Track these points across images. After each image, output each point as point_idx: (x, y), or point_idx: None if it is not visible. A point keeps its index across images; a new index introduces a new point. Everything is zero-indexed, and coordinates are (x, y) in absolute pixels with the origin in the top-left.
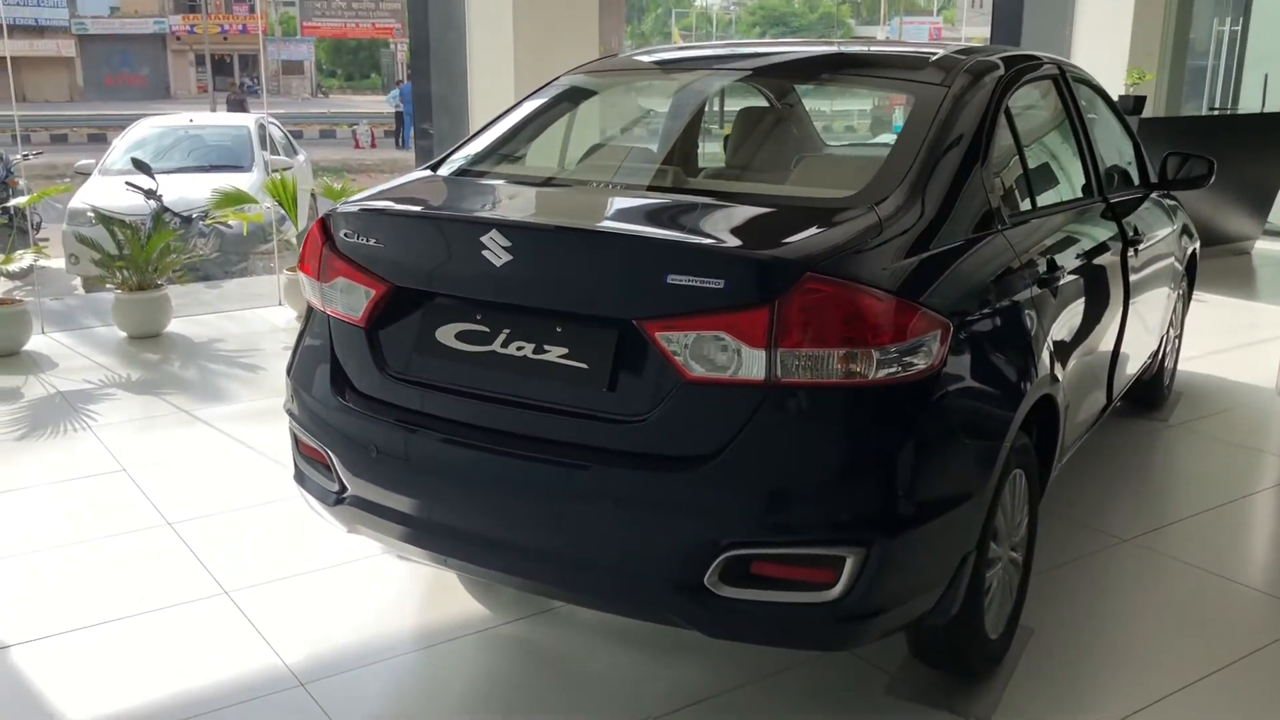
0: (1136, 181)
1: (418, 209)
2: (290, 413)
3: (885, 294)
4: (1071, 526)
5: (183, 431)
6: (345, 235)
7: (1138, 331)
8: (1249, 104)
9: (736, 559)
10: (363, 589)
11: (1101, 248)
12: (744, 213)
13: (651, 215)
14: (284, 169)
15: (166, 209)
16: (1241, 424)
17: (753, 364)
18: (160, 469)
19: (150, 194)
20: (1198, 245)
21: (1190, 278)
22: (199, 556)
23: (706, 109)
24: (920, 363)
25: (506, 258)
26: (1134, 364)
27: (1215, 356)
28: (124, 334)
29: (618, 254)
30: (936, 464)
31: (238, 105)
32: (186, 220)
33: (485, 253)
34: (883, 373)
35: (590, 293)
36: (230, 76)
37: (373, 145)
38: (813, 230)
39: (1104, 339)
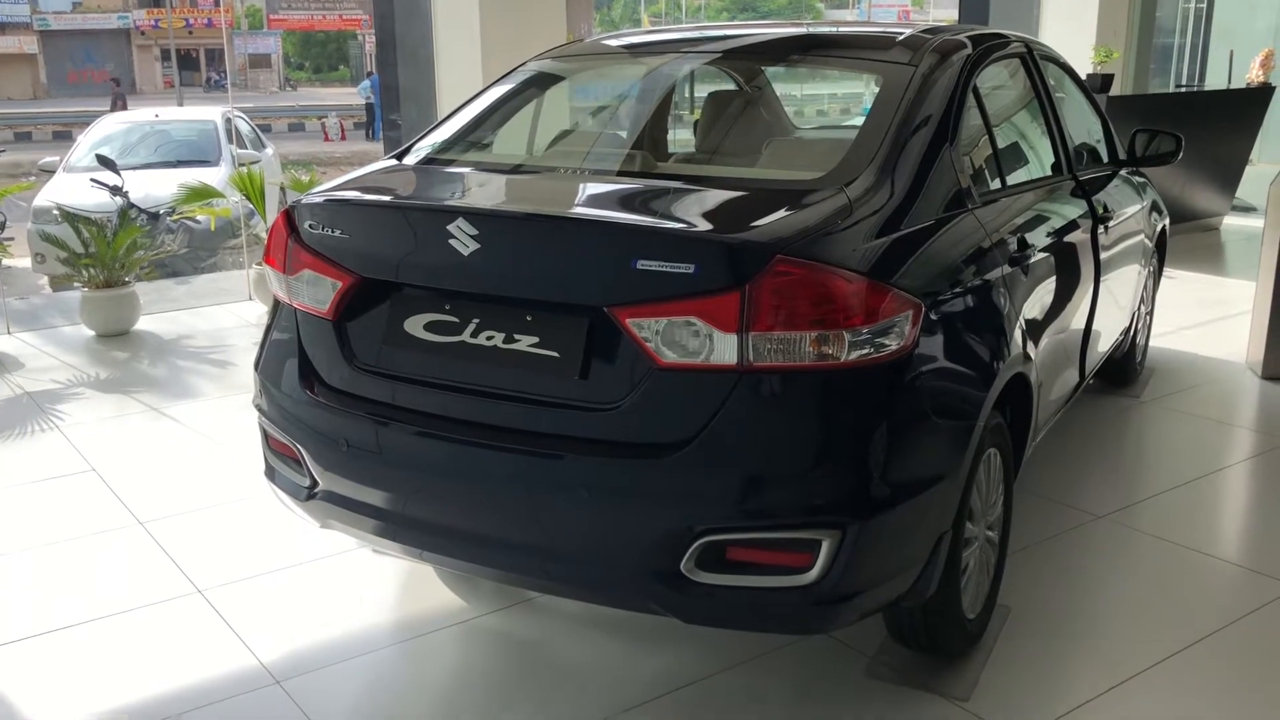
0: (1105, 159)
1: (383, 199)
2: (259, 408)
3: (856, 275)
4: (1046, 504)
5: (153, 429)
6: (310, 227)
7: (1109, 309)
8: (1215, 81)
9: (712, 545)
10: (338, 584)
11: (1072, 225)
12: (713, 196)
13: (620, 201)
14: (251, 163)
15: (133, 205)
16: (1213, 399)
17: (724, 349)
18: (130, 468)
19: (116, 190)
20: (1167, 222)
21: (1160, 254)
22: (171, 555)
23: (675, 93)
24: (892, 344)
25: (474, 246)
26: (1106, 341)
27: (1186, 332)
28: (92, 332)
29: (586, 240)
30: (910, 445)
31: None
32: (154, 216)
33: (452, 241)
34: (855, 355)
35: (560, 280)
36: (196, 70)
37: (342, 138)
38: (782, 213)
39: (1076, 317)
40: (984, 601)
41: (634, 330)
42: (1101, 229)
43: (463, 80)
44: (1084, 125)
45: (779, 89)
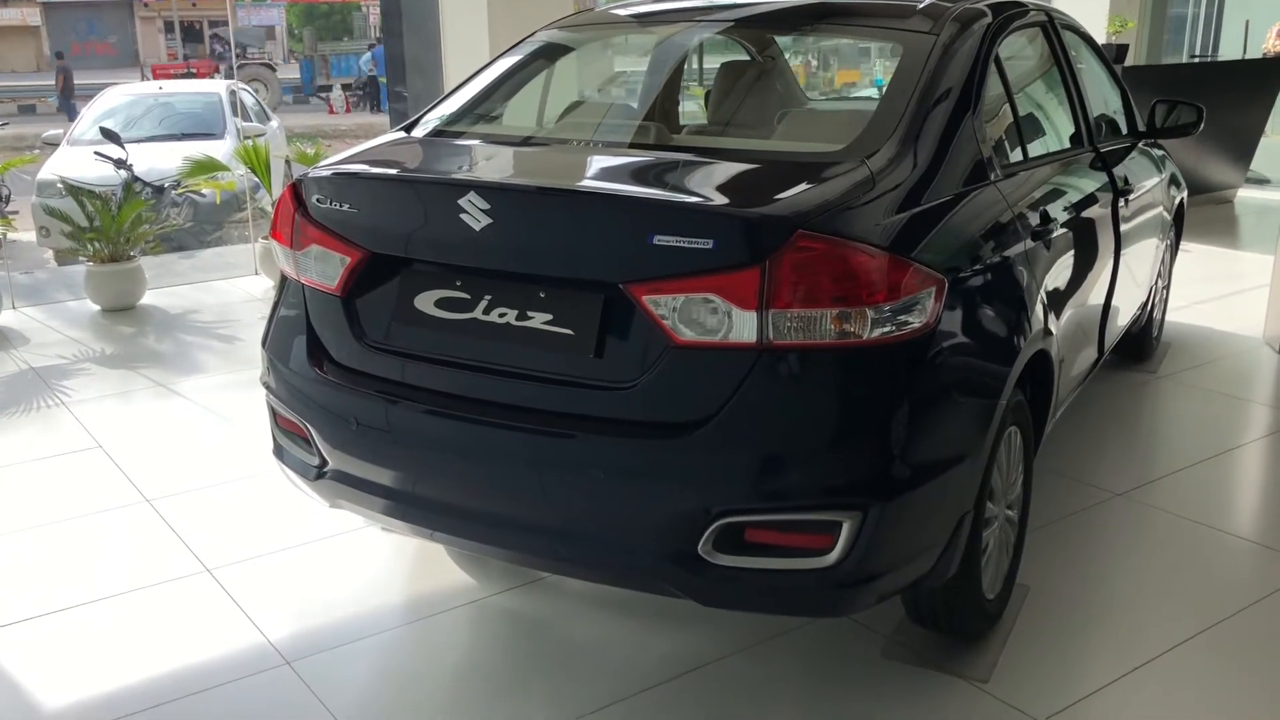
0: (1124, 130)
1: (393, 172)
2: (267, 385)
3: (879, 250)
4: (1064, 482)
5: (159, 406)
6: (318, 201)
7: (1128, 283)
8: (1229, 52)
9: (730, 526)
10: (347, 563)
11: (1092, 199)
12: (731, 170)
13: (635, 174)
14: (257, 135)
15: (137, 179)
16: (1229, 374)
17: (743, 326)
18: (137, 445)
19: (120, 164)
20: (1185, 194)
21: (1178, 227)
22: (179, 534)
23: (688, 63)
24: (915, 321)
25: (486, 221)
26: (1125, 316)
27: (1201, 306)
28: (97, 307)
29: (601, 215)
30: (932, 424)
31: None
32: (158, 190)
33: (464, 216)
34: (877, 332)
35: (574, 256)
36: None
37: (347, 110)
38: (803, 186)
39: (1096, 291)
40: (1003, 581)
41: (650, 307)
42: (1122, 202)
43: (469, 51)
44: (1103, 96)
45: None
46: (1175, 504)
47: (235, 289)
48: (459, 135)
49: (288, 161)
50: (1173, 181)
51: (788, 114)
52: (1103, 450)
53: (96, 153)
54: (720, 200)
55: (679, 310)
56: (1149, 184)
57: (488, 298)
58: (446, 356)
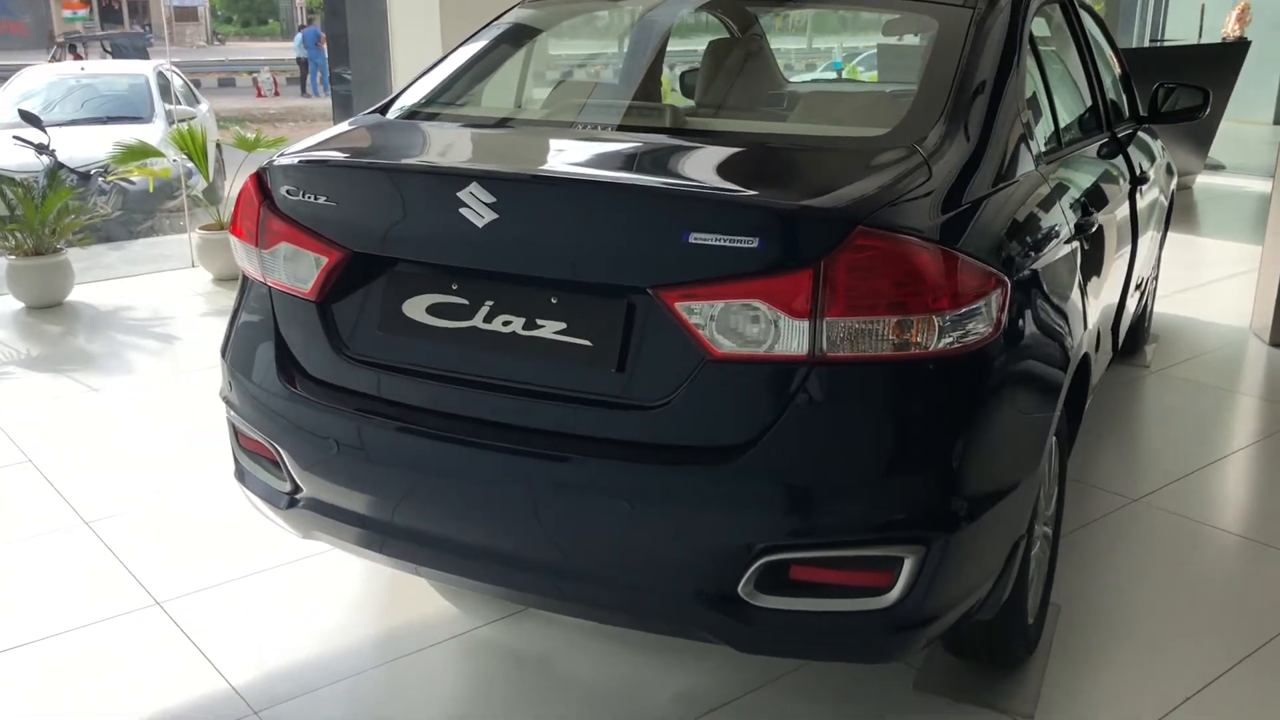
0: (1126, 114)
1: (377, 159)
2: (228, 401)
3: (946, 249)
4: (1077, 487)
5: (94, 413)
6: (288, 192)
7: (1139, 274)
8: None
9: (775, 564)
10: (315, 592)
11: (1118, 187)
12: (768, 157)
13: (661, 162)
14: (187, 118)
15: (62, 165)
16: (1223, 367)
17: (792, 337)
18: (71, 458)
19: (42, 149)
20: (1176, 181)
21: (1169, 215)
22: (123, 561)
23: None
24: (981, 328)
25: (490, 216)
26: (1133, 308)
27: (1180, 295)
28: (21, 304)
29: (628, 210)
30: (997, 444)
31: None
32: (84, 177)
33: (464, 210)
34: (943, 342)
35: (593, 256)
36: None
37: (276, 93)
38: (855, 175)
39: (1116, 285)
40: (1039, 602)
41: (684, 315)
42: (1138, 190)
43: (418, 30)
44: (1110, 77)
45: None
46: (1198, 509)
47: (171, 283)
48: (443, 118)
49: (219, 146)
50: (1168, 168)
51: (813, 93)
52: (1108, 452)
53: (15, 137)
54: (765, 192)
55: (717, 318)
56: (1153, 171)
57: (489, 303)
58: (440, 370)
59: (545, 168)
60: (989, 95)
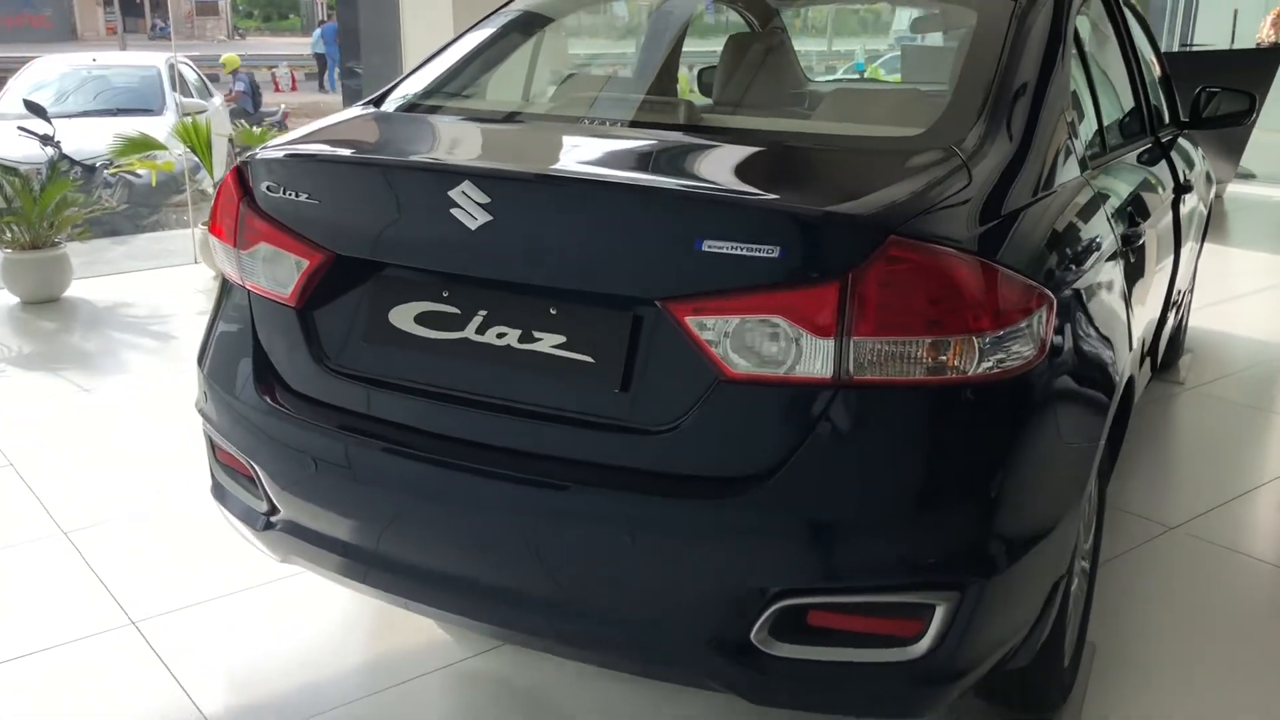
0: (1168, 118)
1: (364, 154)
2: (203, 414)
3: (988, 262)
4: (1110, 513)
5: (82, 415)
6: (269, 189)
7: (1178, 289)
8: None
9: (792, 609)
10: (299, 613)
11: (1161, 196)
12: (791, 157)
13: (673, 161)
14: (198, 112)
15: (65, 156)
16: (1259, 385)
17: (816, 357)
18: (55, 463)
19: (47, 140)
20: (1214, 189)
21: (1206, 225)
22: (100, 575)
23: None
24: (1026, 351)
25: (484, 218)
26: (1171, 323)
27: (1212, 309)
28: (16, 299)
29: (635, 213)
30: (1040, 477)
31: None
32: (89, 169)
33: (455, 211)
34: (984, 366)
35: (597, 264)
36: (140, 17)
37: (294, 88)
38: (887, 178)
39: (1159, 300)
40: (1075, 643)
41: (695, 330)
42: (1181, 199)
43: (431, 23)
44: (1152, 78)
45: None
46: (1240, 540)
47: (173, 279)
48: (440, 110)
49: (231, 140)
50: (1207, 176)
51: (838, 90)
52: (1144, 475)
53: (20, 128)
54: (788, 196)
55: (732, 335)
56: (1196, 179)
57: (482, 313)
58: (428, 385)
59: (543, 166)
60: (1031, 94)
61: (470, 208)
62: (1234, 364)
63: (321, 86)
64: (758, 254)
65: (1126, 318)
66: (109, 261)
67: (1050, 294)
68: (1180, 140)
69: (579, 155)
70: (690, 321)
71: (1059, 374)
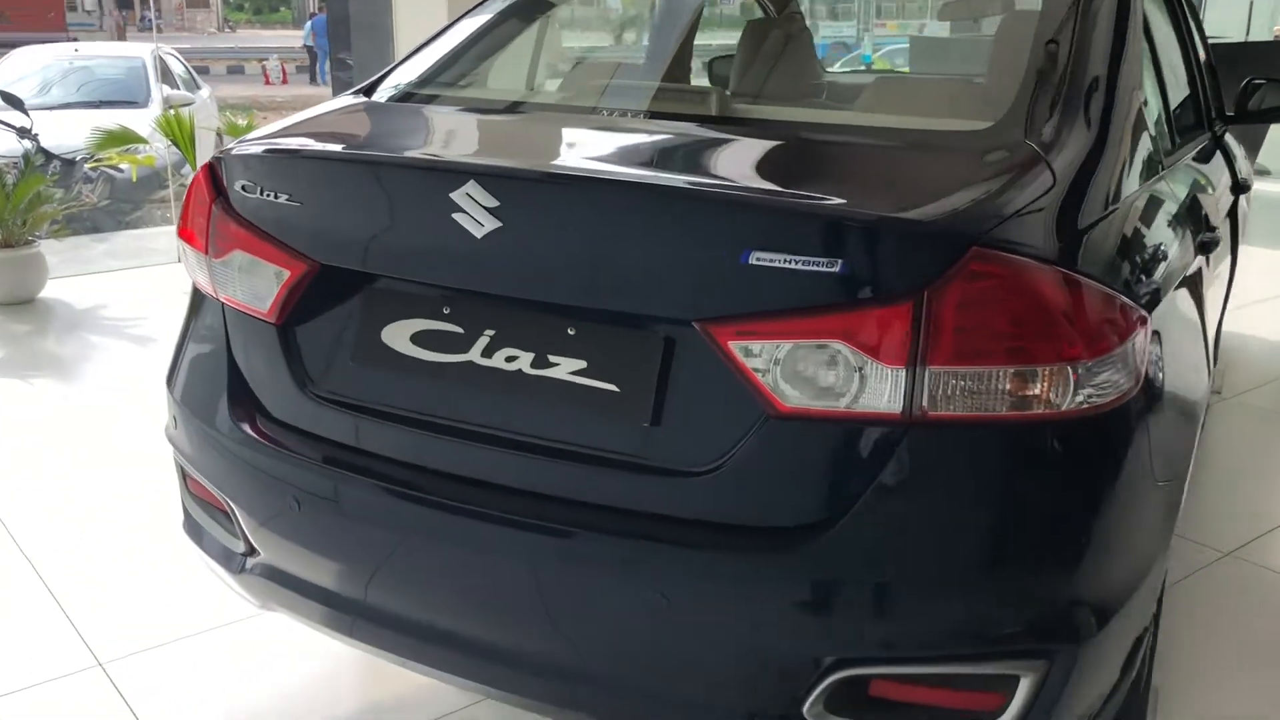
0: (1214, 111)
1: (352, 150)
2: (174, 442)
3: (1084, 278)
4: None
5: (53, 428)
6: (245, 189)
7: (1230, 294)
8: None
9: (852, 680)
10: (281, 654)
11: (1226, 196)
12: (843, 154)
13: (711, 158)
14: (183, 105)
15: (42, 150)
16: None
17: (883, 389)
18: (22, 482)
19: (24, 133)
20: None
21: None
22: (66, 610)
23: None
24: (1122, 381)
25: (491, 224)
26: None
27: (1243, 311)
28: None
29: (670, 219)
30: (1134, 525)
31: None
32: (69, 163)
33: (458, 216)
34: (1079, 399)
35: (623, 278)
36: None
37: (284, 81)
38: (962, 180)
39: (1219, 309)
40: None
41: (739, 357)
42: (1240, 199)
43: (425, 11)
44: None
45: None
46: None
47: (154, 279)
48: (437, 100)
49: (219, 134)
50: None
51: (880, 79)
52: (1191, 494)
53: None
54: (853, 201)
55: (783, 362)
56: (1246, 177)
57: (489, 333)
58: (426, 414)
59: (560, 164)
60: (1106, 83)
61: (475, 212)
62: (1267, 371)
63: (313, 79)
64: (815, 268)
65: (1204, 333)
66: (88, 260)
67: (1145, 313)
68: (1231, 136)
69: (599, 152)
70: (734, 347)
71: (1153, 405)
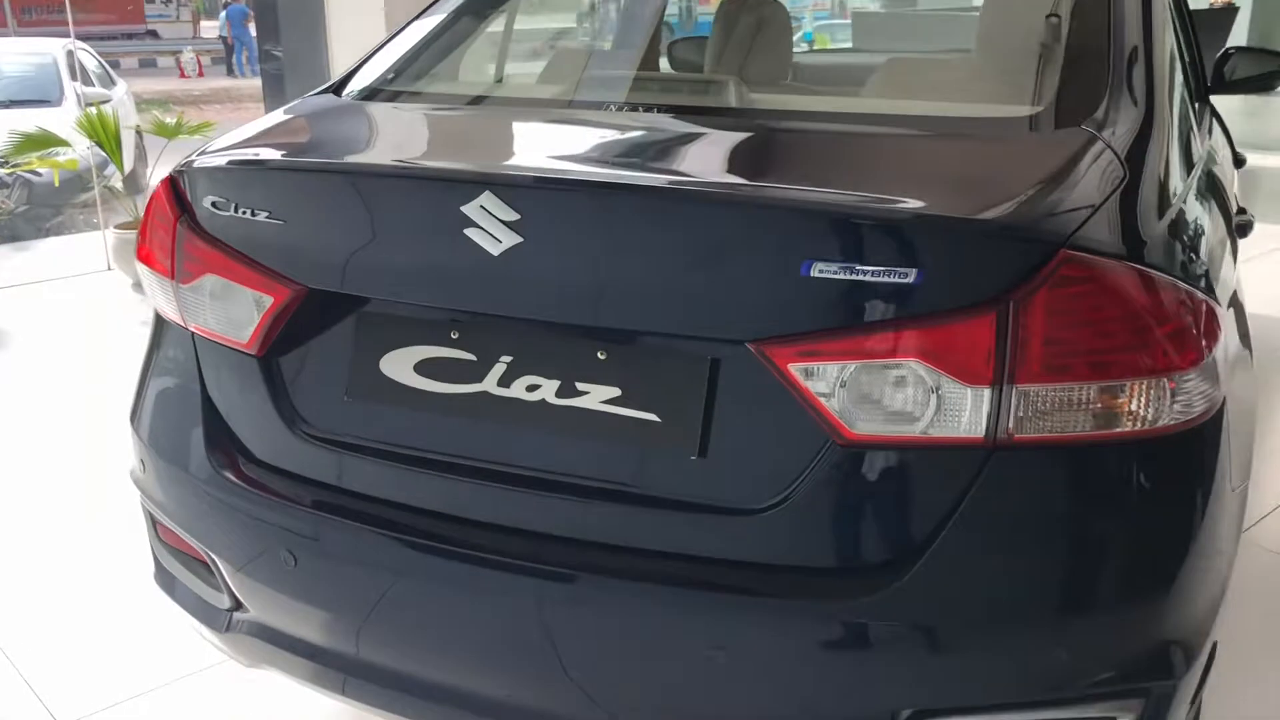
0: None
1: (344, 159)
2: (141, 487)
3: (1178, 280)
4: None
5: None
6: (216, 205)
7: None
8: None
9: None
10: (259, 709)
11: (1231, 175)
12: (890, 147)
13: (749, 158)
14: (101, 102)
15: None
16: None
17: (963, 411)
18: None
19: None
20: None
21: None
22: (17, 665)
23: None
24: (1212, 390)
25: (510, 239)
26: None
27: None
28: None
29: (720, 228)
30: (1218, 543)
31: None
32: None
33: (472, 232)
34: (1174, 414)
35: (665, 295)
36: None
37: (200, 74)
38: (1033, 174)
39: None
40: None
41: (800, 380)
42: (1235, 175)
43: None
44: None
45: None
46: None
47: (82, 290)
48: (427, 98)
49: (139, 132)
50: None
51: (893, 62)
52: None
53: None
54: (925, 202)
55: (849, 385)
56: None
57: (505, 359)
58: (434, 453)
59: (587, 170)
60: (1145, 53)
61: (493, 227)
62: (1269, 347)
63: (230, 71)
64: (886, 279)
65: (1247, 324)
66: (8, 270)
67: (1223, 312)
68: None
69: (623, 154)
70: (794, 369)
71: (1234, 413)
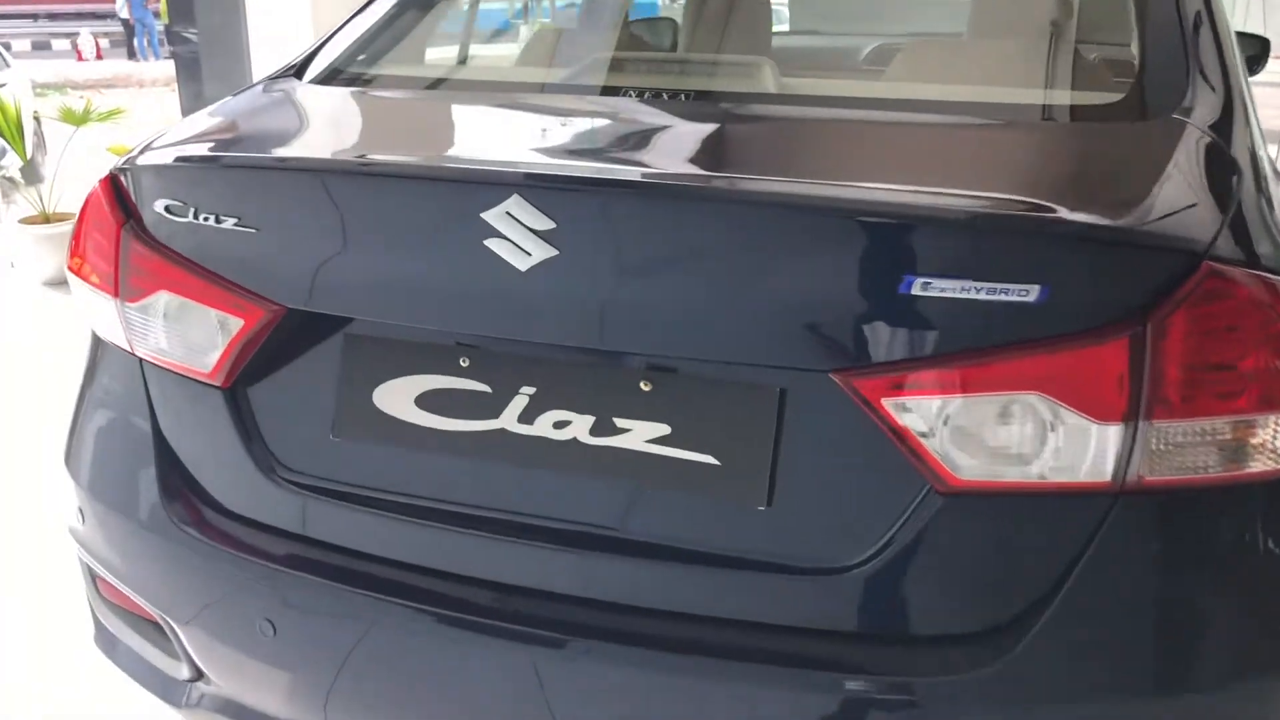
0: None
1: (330, 155)
2: (81, 541)
3: None
4: None
5: None
6: (171, 211)
7: None
8: None
9: None
10: None
11: None
12: (972, 141)
13: (821, 155)
14: None
15: None
16: None
17: (1087, 449)
18: None
19: None
20: None
21: None
22: None
23: None
24: None
25: (543, 252)
26: None
27: None
28: None
29: (800, 239)
30: None
31: None
32: None
33: (495, 243)
34: None
35: (727, 317)
36: None
37: (98, 57)
38: (1149, 174)
39: None
40: None
41: (895, 416)
42: None
43: None
44: None
45: None
46: None
47: None
48: (413, 82)
49: (36, 118)
50: None
51: (918, 44)
52: None
53: None
54: (1043, 207)
55: (953, 422)
56: None
57: (527, 391)
58: (439, 503)
59: (640, 169)
60: (1212, 30)
61: (521, 237)
62: None
63: (131, 55)
64: (1000, 297)
65: None
66: None
67: None
68: None
69: (673, 149)
70: (888, 404)
71: None
